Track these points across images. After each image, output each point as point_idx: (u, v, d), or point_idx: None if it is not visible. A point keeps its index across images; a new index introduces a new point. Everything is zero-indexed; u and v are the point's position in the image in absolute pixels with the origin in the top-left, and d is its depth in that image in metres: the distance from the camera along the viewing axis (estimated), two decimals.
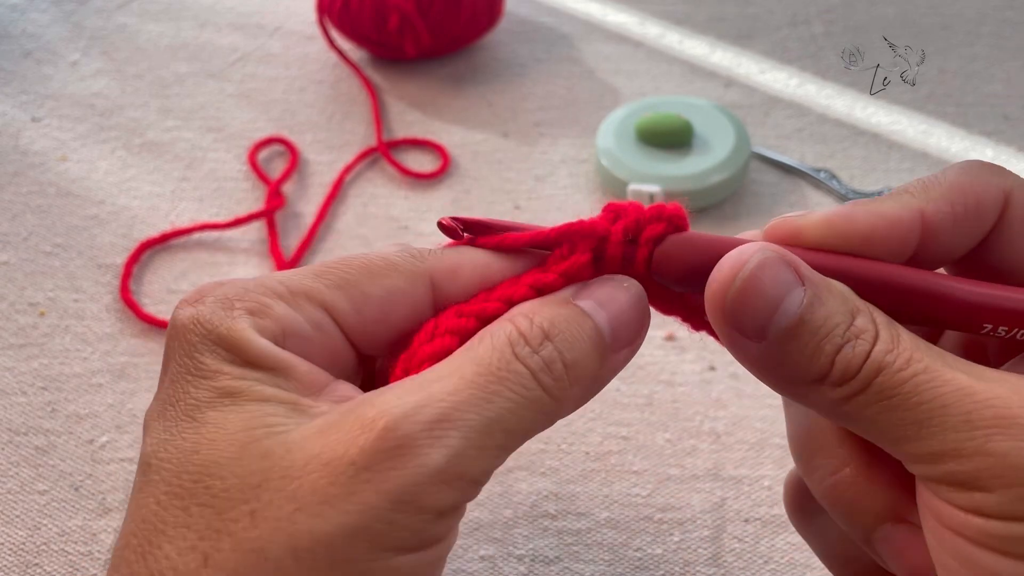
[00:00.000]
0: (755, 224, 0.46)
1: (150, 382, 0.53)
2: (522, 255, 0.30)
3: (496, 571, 0.45)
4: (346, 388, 0.27)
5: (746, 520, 0.46)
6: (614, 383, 0.53)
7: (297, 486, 0.24)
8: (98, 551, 0.46)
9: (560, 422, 0.54)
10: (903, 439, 0.25)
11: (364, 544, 0.24)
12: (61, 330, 0.56)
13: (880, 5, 0.81)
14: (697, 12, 0.81)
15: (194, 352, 0.27)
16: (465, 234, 0.30)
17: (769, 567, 0.45)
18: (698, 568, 0.45)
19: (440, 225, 0.30)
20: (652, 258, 0.29)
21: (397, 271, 0.29)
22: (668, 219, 0.29)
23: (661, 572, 0.44)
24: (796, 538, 0.45)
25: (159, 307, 0.57)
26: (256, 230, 0.62)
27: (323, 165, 0.67)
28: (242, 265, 0.60)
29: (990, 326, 0.27)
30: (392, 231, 0.62)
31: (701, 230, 0.29)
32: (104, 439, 0.50)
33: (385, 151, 0.67)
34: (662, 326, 0.54)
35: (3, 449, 0.50)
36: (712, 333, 0.29)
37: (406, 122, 0.71)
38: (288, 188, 0.66)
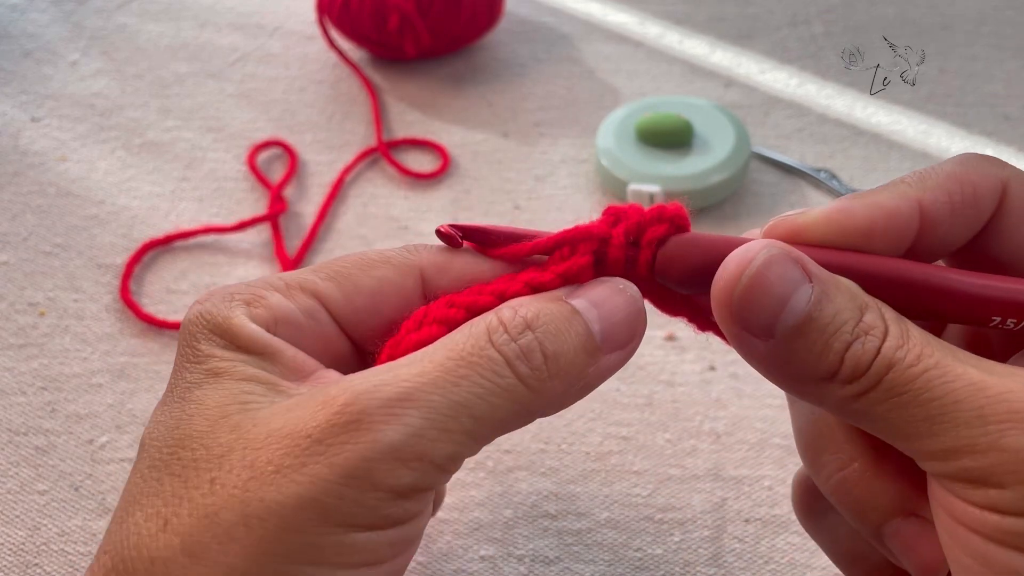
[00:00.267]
0: (755, 224, 0.46)
1: (150, 382, 0.53)
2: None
3: (496, 571, 0.44)
4: (333, 375, 0.28)
5: (746, 520, 0.46)
6: (614, 383, 0.53)
7: (255, 456, 0.25)
8: None
9: (560, 422, 0.53)
10: (915, 436, 0.24)
11: (314, 516, 0.24)
12: (61, 330, 0.56)
13: (880, 5, 0.81)
14: (697, 12, 0.81)
15: (193, 341, 0.28)
16: (464, 242, 0.30)
17: (769, 567, 0.45)
18: (698, 568, 0.45)
19: (438, 233, 0.30)
20: (655, 260, 0.29)
21: (389, 263, 0.30)
22: (670, 220, 0.29)
23: (661, 572, 0.44)
24: (797, 538, 0.45)
25: (159, 307, 0.57)
26: (256, 231, 0.62)
27: (323, 165, 0.67)
28: (242, 266, 0.60)
29: (999, 319, 0.27)
30: (392, 231, 0.62)
31: (701, 230, 0.29)
32: (104, 439, 0.50)
33: (385, 151, 0.67)
34: (662, 326, 0.54)
35: (3, 449, 0.50)
36: (718, 333, 0.29)
37: (406, 122, 0.71)
38: (288, 189, 0.66)
